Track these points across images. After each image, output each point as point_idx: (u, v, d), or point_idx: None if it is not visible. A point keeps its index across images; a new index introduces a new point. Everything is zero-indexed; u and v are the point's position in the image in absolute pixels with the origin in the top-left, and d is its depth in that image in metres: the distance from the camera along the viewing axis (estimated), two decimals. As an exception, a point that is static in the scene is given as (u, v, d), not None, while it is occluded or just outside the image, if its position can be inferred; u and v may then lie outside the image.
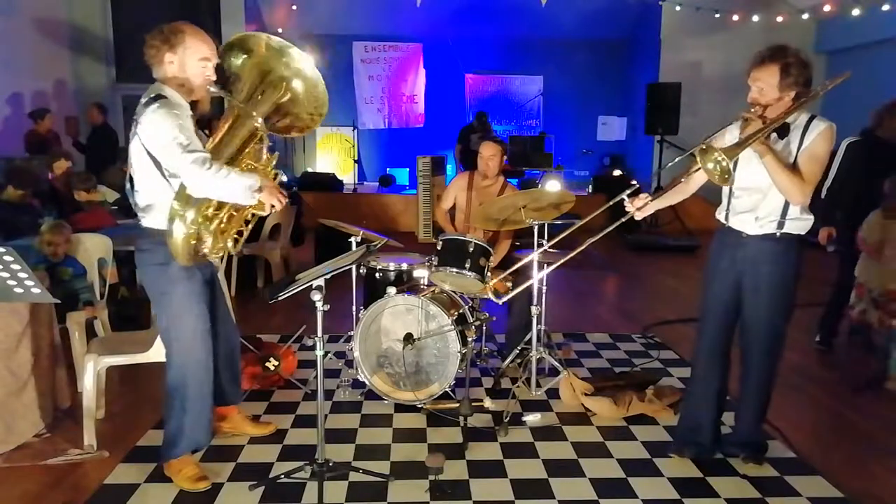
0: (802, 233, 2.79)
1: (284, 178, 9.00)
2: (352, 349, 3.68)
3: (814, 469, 3.00)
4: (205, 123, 2.83)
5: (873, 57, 9.02)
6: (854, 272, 4.34)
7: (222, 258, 2.88)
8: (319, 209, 8.53)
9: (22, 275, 2.63)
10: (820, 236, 4.26)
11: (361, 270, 3.97)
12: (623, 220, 2.91)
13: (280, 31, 10.62)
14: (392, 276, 3.90)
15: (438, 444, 3.17)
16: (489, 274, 3.64)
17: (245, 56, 2.76)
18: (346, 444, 3.18)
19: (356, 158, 11.19)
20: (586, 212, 3.15)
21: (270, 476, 2.86)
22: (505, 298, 3.30)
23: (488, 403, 3.43)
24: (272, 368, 3.78)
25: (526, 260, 3.52)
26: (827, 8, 8.90)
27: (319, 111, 2.86)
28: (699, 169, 2.64)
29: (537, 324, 3.84)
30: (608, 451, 3.16)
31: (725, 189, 2.84)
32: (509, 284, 3.92)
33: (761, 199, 2.74)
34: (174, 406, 2.76)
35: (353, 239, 3.81)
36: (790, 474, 2.95)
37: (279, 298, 2.55)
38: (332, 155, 11.84)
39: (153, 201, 2.62)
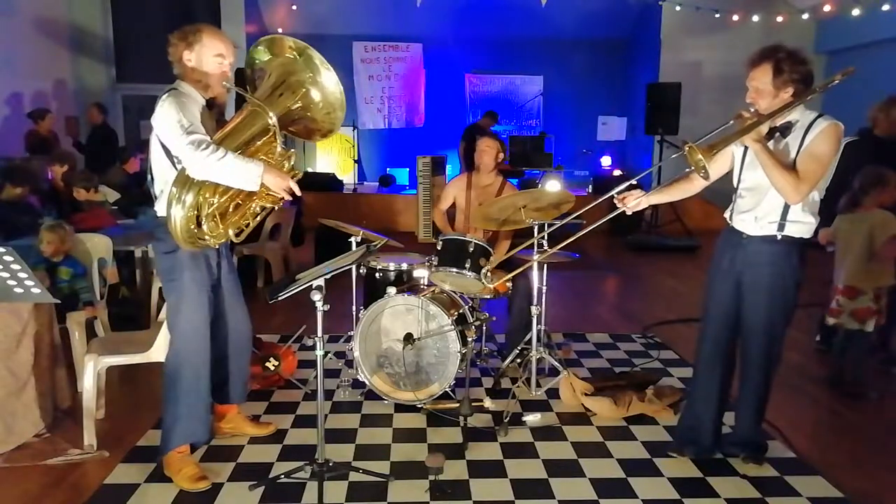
0: (805, 236, 2.75)
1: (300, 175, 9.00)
2: (352, 349, 3.69)
3: (814, 469, 3.00)
4: (223, 120, 2.87)
5: (873, 57, 9.02)
6: None
7: (233, 250, 2.91)
8: (319, 209, 8.52)
9: (22, 275, 2.63)
10: (820, 237, 4.25)
11: (361, 270, 3.97)
12: (614, 213, 3.02)
13: (280, 31, 10.63)
14: (392, 276, 3.90)
15: (438, 444, 3.17)
16: (489, 274, 3.64)
17: (271, 56, 2.82)
18: (346, 444, 3.18)
19: (356, 158, 11.19)
20: (587, 212, 3.16)
21: (270, 476, 2.86)
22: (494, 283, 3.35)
23: (488, 403, 3.43)
24: (272, 368, 3.78)
25: (515, 252, 3.54)
26: (827, 8, 8.90)
27: (337, 117, 2.90)
28: (692, 171, 2.66)
29: (537, 324, 3.84)
30: (608, 451, 3.16)
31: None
32: (509, 284, 3.93)
33: (761, 198, 2.73)
34: (169, 393, 2.79)
35: (353, 239, 3.81)
36: (790, 474, 2.95)
37: (279, 298, 2.55)
38: (332, 155, 11.84)
39: (165, 189, 2.67)
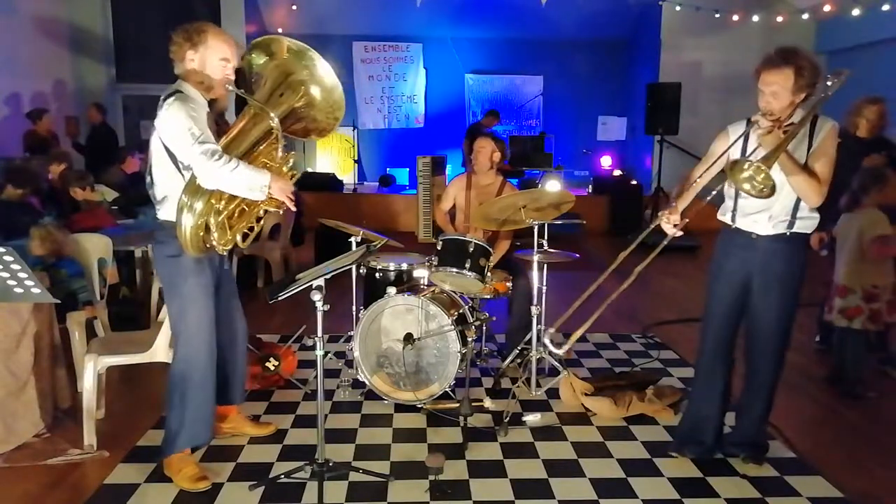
0: (809, 231, 2.81)
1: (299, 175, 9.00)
2: (352, 349, 3.68)
3: (814, 469, 3.01)
4: (224, 123, 2.86)
5: (873, 57, 9.01)
6: None
7: (231, 254, 2.91)
8: (319, 209, 8.52)
9: (22, 275, 2.63)
10: (812, 241, 4.26)
11: (361, 270, 3.97)
12: (648, 230, 2.86)
13: (280, 31, 10.62)
14: (392, 276, 3.90)
15: (438, 444, 3.17)
16: (489, 273, 3.64)
17: (268, 57, 2.81)
18: (346, 444, 3.18)
19: (356, 158, 11.18)
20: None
21: (270, 476, 2.86)
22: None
23: (488, 403, 3.43)
24: (272, 368, 3.78)
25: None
26: (827, 8, 8.89)
27: (336, 115, 2.91)
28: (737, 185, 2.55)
29: (537, 324, 3.84)
30: (608, 451, 3.16)
31: (731, 191, 2.84)
32: (509, 284, 3.93)
33: (774, 199, 2.72)
34: (175, 398, 2.77)
35: (353, 239, 3.81)
36: (790, 474, 2.95)
37: (279, 298, 2.55)
38: (332, 155, 11.83)
39: (168, 193, 2.66)
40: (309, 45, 2.79)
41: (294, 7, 10.56)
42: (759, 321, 2.86)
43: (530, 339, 3.85)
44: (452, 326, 3.42)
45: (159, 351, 3.10)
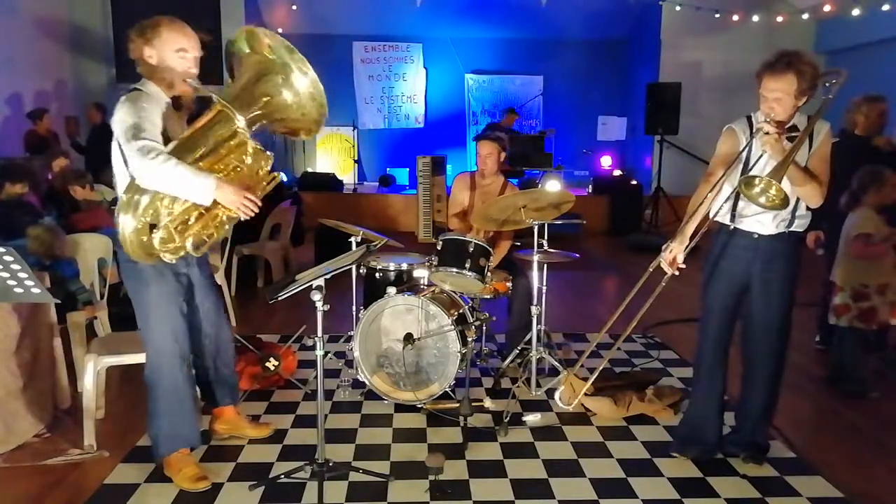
0: (803, 230, 2.87)
1: (284, 178, 8.99)
2: (352, 349, 3.68)
3: (814, 469, 3.01)
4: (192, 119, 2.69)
5: (873, 57, 9.01)
6: None
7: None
8: (319, 209, 8.52)
9: (22, 275, 2.63)
10: (808, 240, 4.27)
11: (361, 270, 3.97)
12: (652, 268, 3.07)
13: (280, 31, 10.61)
14: (392, 276, 3.90)
15: (438, 444, 3.17)
16: (489, 273, 3.64)
17: (250, 49, 2.59)
18: (346, 444, 3.18)
19: (356, 158, 11.19)
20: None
21: (270, 476, 2.86)
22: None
23: (488, 403, 3.43)
24: (272, 368, 3.78)
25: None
26: (827, 8, 8.89)
27: (315, 117, 2.63)
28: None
29: (537, 324, 3.84)
30: (608, 451, 3.16)
31: (727, 192, 2.84)
32: (509, 284, 3.93)
33: None
34: (150, 404, 2.77)
35: (353, 239, 3.81)
36: (790, 474, 2.95)
37: (279, 298, 2.55)
38: (332, 155, 11.83)
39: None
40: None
41: (294, 7, 10.56)
42: (762, 320, 2.87)
43: (530, 339, 3.85)
44: (452, 326, 3.42)
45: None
